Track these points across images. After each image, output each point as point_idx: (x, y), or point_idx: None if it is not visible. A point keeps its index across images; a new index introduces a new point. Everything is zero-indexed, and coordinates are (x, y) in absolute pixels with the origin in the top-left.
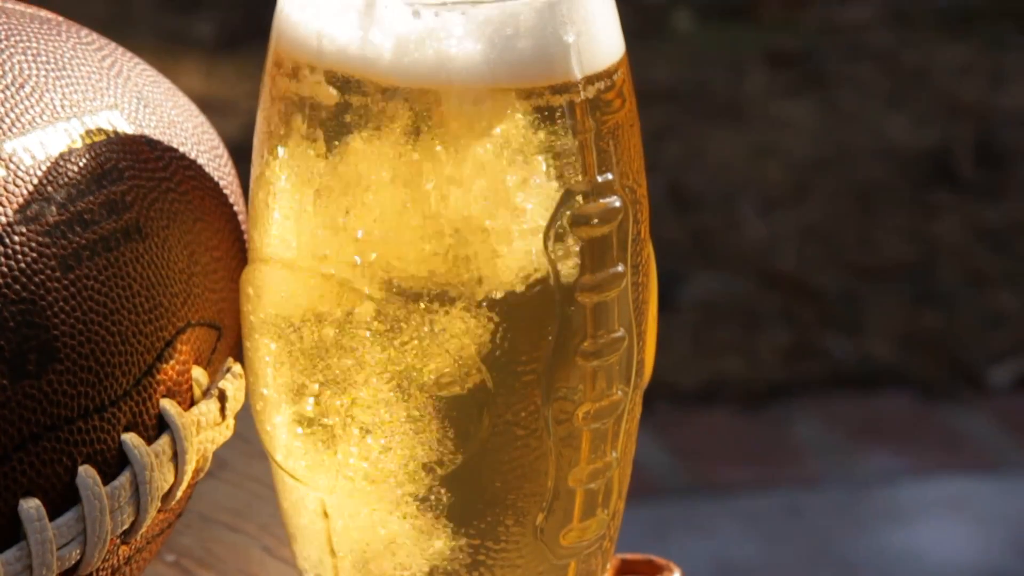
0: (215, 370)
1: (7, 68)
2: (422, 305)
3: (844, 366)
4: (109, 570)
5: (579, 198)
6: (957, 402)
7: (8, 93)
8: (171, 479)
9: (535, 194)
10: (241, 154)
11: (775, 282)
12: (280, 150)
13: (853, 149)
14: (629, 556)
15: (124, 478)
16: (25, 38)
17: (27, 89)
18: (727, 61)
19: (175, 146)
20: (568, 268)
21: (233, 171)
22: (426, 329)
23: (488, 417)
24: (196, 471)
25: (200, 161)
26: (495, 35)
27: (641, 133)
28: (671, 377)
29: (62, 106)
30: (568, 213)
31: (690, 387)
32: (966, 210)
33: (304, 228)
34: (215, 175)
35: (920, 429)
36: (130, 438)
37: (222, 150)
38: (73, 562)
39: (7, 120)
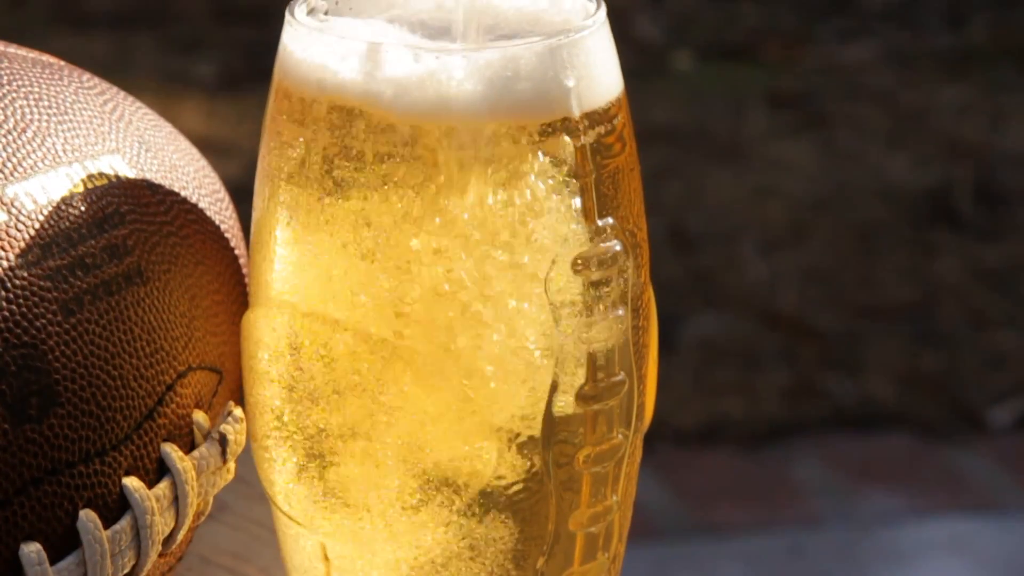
0: (216, 414)
1: (9, 113)
2: (424, 349)
3: (845, 406)
4: None
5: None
6: (958, 443)
7: (10, 138)
8: (172, 523)
9: (535, 237)
10: (242, 195)
11: (775, 322)
12: (281, 191)
13: (853, 189)
14: None
15: (125, 522)
16: (27, 83)
17: (29, 134)
18: (727, 101)
19: (176, 190)
20: (568, 312)
21: (234, 214)
22: (426, 374)
23: (490, 462)
24: (197, 515)
25: (201, 205)
26: (495, 77)
27: (641, 174)
28: (672, 417)
29: (64, 150)
30: (569, 257)
31: (690, 427)
32: (966, 250)
33: (305, 271)
34: (216, 219)
35: (921, 469)
36: (131, 482)
37: (223, 194)
38: None
39: (9, 164)
